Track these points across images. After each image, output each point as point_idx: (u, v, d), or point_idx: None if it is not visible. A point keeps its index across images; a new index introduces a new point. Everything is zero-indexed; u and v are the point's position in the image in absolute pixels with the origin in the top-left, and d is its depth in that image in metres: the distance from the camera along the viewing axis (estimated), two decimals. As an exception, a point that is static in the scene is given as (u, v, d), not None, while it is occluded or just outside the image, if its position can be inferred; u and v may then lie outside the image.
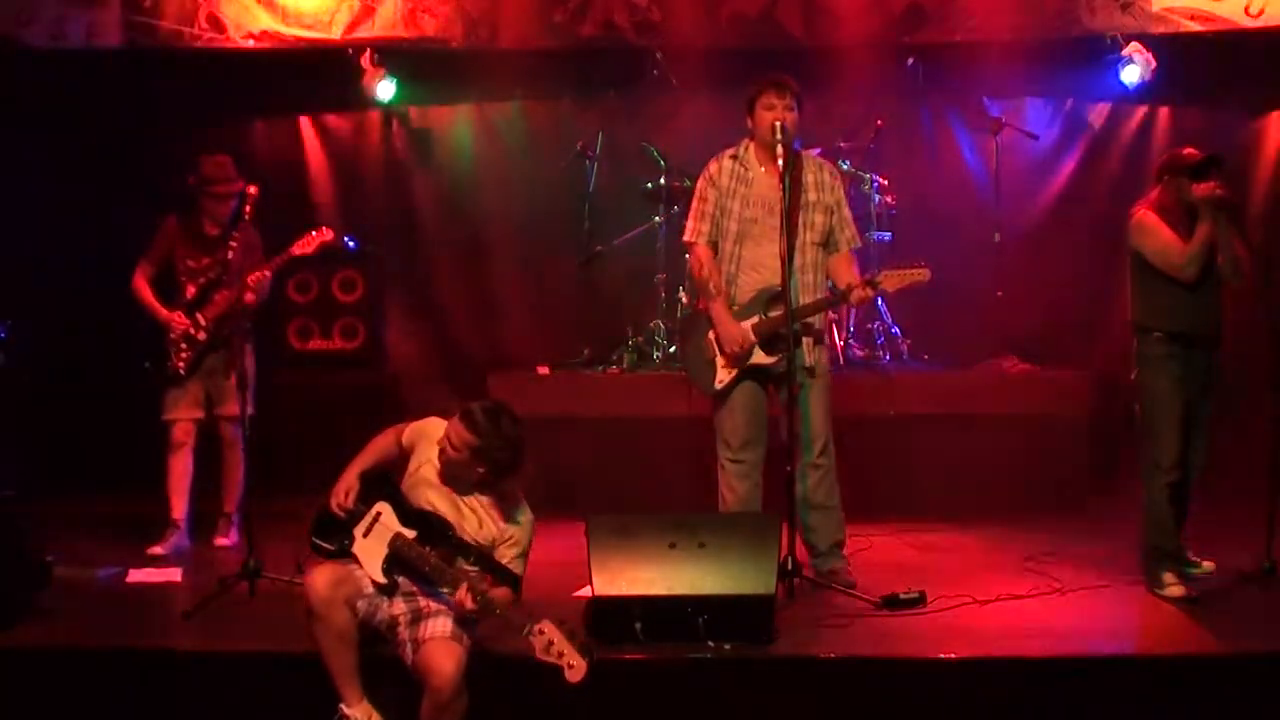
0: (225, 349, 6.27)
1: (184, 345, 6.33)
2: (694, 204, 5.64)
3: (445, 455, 4.40)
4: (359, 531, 4.46)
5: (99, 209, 8.15)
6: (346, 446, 4.86)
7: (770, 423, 5.56)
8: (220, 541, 6.45)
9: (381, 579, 4.36)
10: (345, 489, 4.49)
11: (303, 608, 4.34)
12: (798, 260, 5.44)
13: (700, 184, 5.64)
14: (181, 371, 6.31)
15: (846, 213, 5.62)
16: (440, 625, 4.31)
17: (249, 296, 6.08)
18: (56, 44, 8.07)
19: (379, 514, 4.47)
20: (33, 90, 8.05)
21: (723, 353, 5.48)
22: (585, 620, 4.75)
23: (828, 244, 5.56)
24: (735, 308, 5.50)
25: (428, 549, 4.33)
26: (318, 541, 4.52)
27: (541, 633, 4.07)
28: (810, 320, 5.48)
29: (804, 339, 5.45)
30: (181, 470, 6.38)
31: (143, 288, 6.40)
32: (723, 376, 5.50)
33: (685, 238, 5.69)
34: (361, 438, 4.84)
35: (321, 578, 4.30)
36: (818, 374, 5.53)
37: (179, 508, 6.36)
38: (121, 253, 7.92)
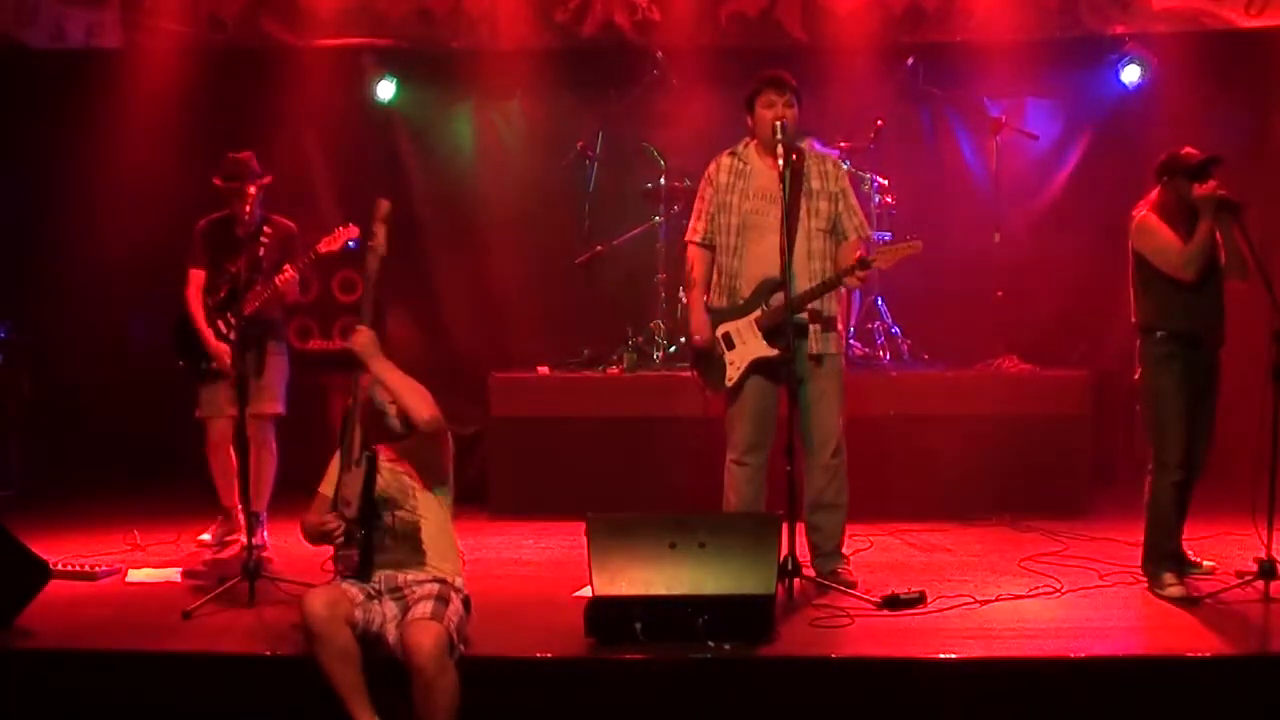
0: (258, 349, 6.24)
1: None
2: (695, 204, 5.68)
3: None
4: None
5: (100, 210, 8.15)
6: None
7: (781, 422, 5.52)
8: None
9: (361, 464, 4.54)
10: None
11: (302, 632, 4.36)
12: (804, 249, 5.43)
13: (701, 184, 5.68)
14: (214, 370, 6.33)
15: (853, 201, 5.60)
16: (421, 609, 4.33)
17: (280, 295, 6.21)
18: (56, 44, 8.07)
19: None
20: (33, 90, 8.06)
21: (689, 339, 5.47)
22: (585, 620, 4.75)
23: (836, 232, 5.55)
24: (740, 302, 5.49)
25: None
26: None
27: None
28: (818, 308, 5.45)
29: (811, 326, 5.44)
30: (221, 468, 6.41)
31: (192, 300, 6.39)
32: (731, 374, 5.48)
33: (685, 236, 5.72)
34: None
35: (317, 600, 4.32)
36: (827, 366, 5.49)
37: (228, 497, 6.43)
38: (122, 253, 8.00)
